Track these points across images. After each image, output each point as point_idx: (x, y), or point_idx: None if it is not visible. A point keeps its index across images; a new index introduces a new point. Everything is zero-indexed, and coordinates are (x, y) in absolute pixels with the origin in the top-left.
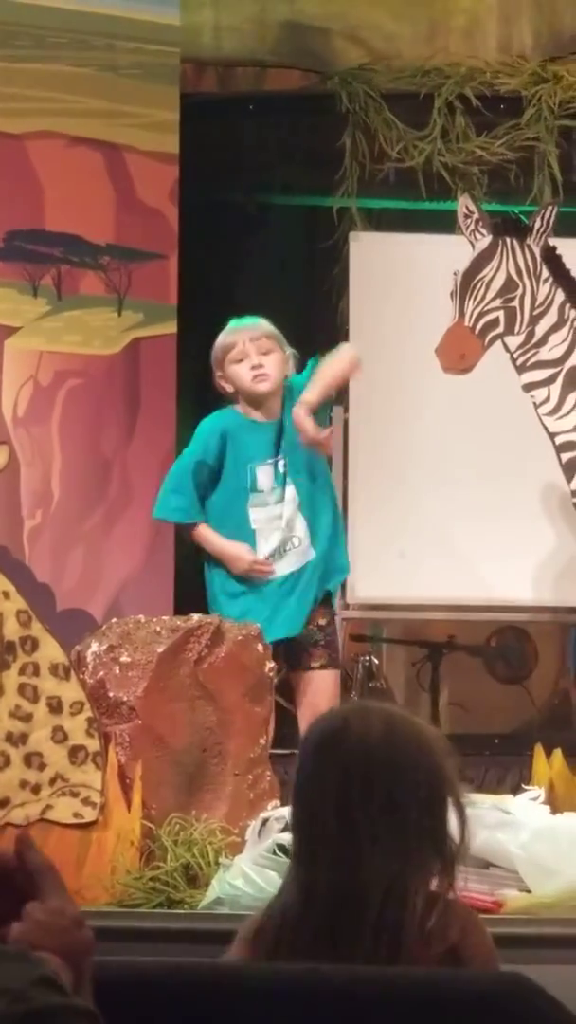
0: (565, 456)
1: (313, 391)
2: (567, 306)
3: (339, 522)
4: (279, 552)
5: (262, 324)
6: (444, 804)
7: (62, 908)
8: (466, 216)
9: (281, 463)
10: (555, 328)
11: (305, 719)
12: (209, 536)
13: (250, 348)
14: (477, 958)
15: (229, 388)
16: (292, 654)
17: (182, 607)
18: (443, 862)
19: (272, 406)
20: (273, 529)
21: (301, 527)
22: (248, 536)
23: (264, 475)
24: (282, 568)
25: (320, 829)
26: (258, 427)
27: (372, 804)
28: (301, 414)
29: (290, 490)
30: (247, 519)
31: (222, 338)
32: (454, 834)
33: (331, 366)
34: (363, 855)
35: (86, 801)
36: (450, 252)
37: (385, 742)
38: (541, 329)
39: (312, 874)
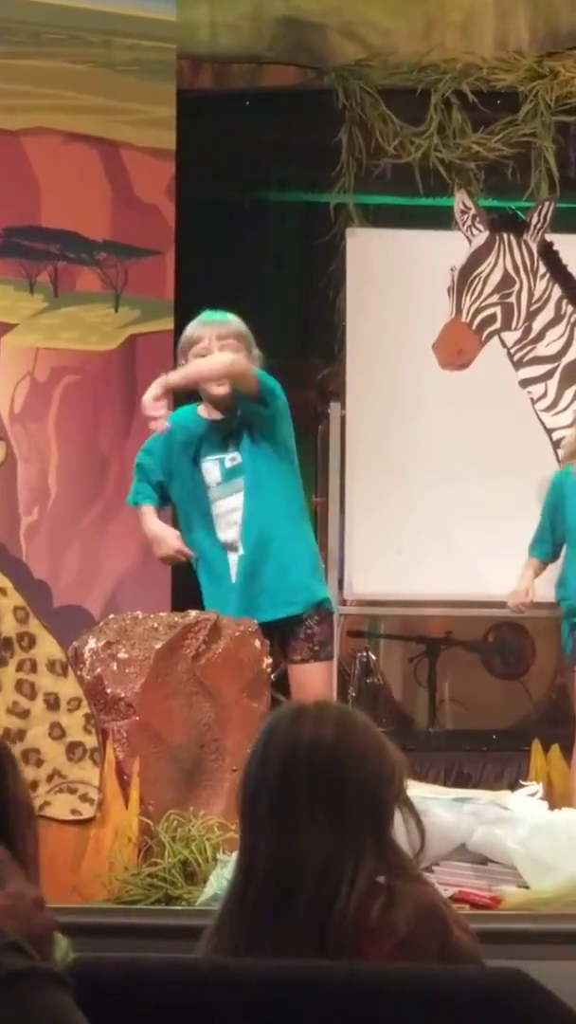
0: (562, 452)
1: (177, 373)
2: (564, 302)
3: (301, 540)
4: (235, 545)
5: (232, 322)
6: (388, 801)
7: (21, 892)
8: (463, 212)
9: (229, 459)
10: (552, 324)
11: None
12: (143, 518)
13: (214, 346)
14: (447, 949)
15: None
16: (277, 649)
17: (179, 603)
18: (383, 857)
19: (229, 404)
20: (230, 523)
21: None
22: (211, 527)
23: (209, 471)
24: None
25: (261, 811)
26: (210, 424)
27: (314, 790)
28: (152, 385)
29: (240, 488)
30: (210, 511)
31: (191, 329)
32: (403, 837)
33: (207, 361)
34: (299, 838)
35: (84, 797)
36: (447, 248)
37: (336, 732)
38: (538, 325)
39: (251, 856)
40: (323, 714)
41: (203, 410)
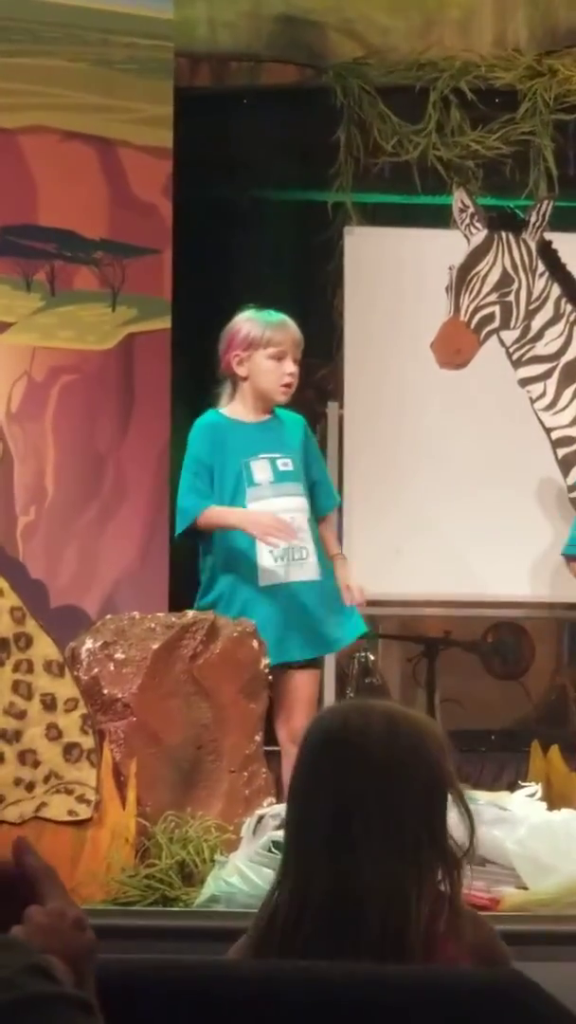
0: (561, 451)
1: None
2: (563, 301)
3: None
4: (284, 555)
5: (299, 332)
6: (444, 804)
7: (63, 910)
8: (461, 210)
9: (280, 461)
10: (551, 323)
11: (279, 718)
12: (222, 511)
13: (290, 355)
14: (499, 959)
15: (243, 373)
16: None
17: (177, 603)
18: (446, 863)
19: (258, 413)
20: None
21: (309, 539)
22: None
23: (260, 469)
24: (284, 576)
25: (314, 832)
26: (244, 425)
27: (369, 807)
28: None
29: (300, 500)
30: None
31: (263, 328)
32: (457, 833)
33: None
34: (360, 861)
35: (81, 799)
36: (445, 246)
37: (384, 743)
38: (537, 324)
39: (305, 880)
40: (368, 720)
41: (233, 411)
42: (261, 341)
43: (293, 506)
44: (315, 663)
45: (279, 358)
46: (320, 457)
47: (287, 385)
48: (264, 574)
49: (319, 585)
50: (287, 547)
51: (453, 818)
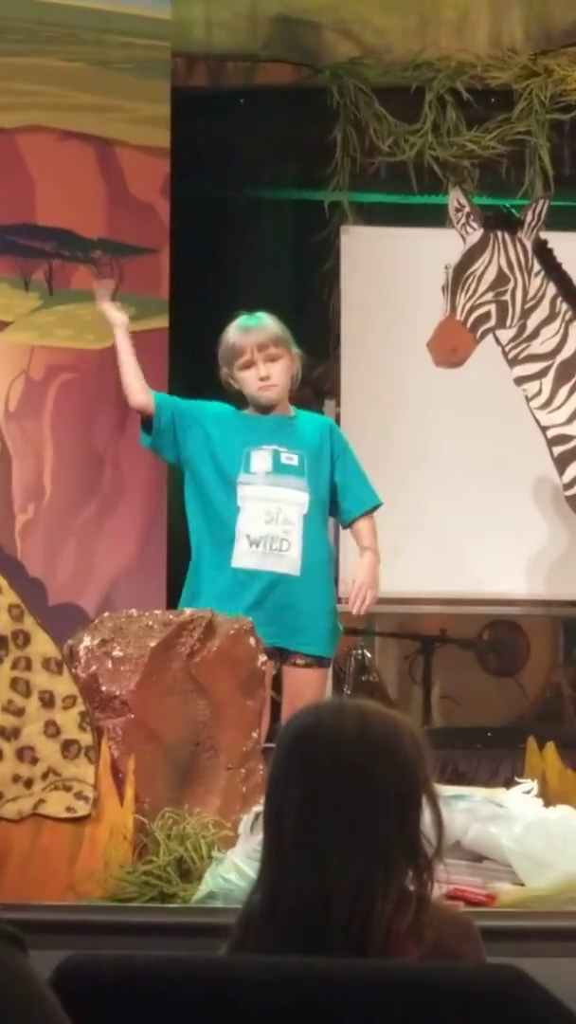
0: (557, 449)
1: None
2: (559, 299)
3: (331, 590)
4: (261, 542)
5: (268, 327)
6: (417, 804)
7: None
8: (457, 210)
9: (285, 455)
10: (547, 321)
11: (286, 716)
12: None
13: (257, 358)
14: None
15: (236, 386)
16: (275, 650)
17: (174, 601)
18: (415, 863)
19: (277, 405)
20: (258, 510)
21: (296, 536)
22: (232, 513)
23: (259, 459)
24: (257, 562)
25: (286, 828)
26: (256, 417)
27: (340, 805)
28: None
29: (301, 495)
30: (235, 497)
31: (232, 338)
32: (429, 832)
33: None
34: (329, 858)
35: (79, 795)
36: (441, 246)
37: (357, 741)
38: (533, 323)
39: (277, 875)
40: (341, 719)
41: (250, 411)
42: (231, 355)
43: (286, 497)
44: (322, 663)
45: (247, 366)
46: (350, 461)
47: (263, 387)
48: (238, 556)
49: (298, 581)
50: (264, 535)
51: (427, 818)
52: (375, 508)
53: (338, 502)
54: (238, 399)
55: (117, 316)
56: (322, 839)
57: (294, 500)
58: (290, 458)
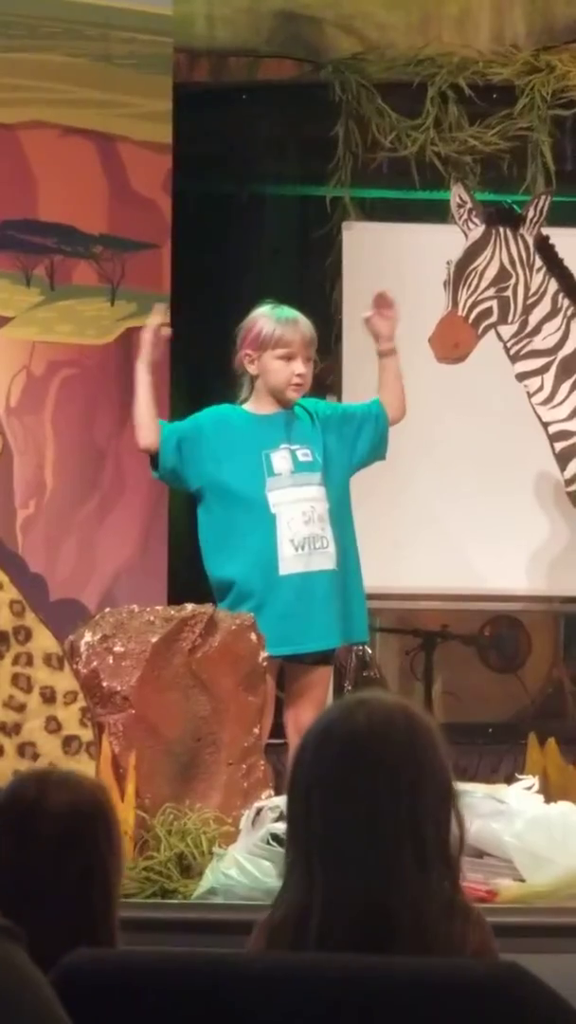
0: (559, 445)
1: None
2: (560, 295)
3: (359, 577)
4: (304, 544)
5: (310, 329)
6: (449, 807)
7: None
8: (459, 206)
9: (301, 452)
10: (548, 317)
11: (289, 712)
12: (138, 381)
13: (300, 354)
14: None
15: (253, 371)
16: None
17: (176, 597)
18: (448, 865)
19: (276, 404)
20: (295, 513)
21: (329, 530)
22: (269, 522)
23: (280, 459)
24: (304, 564)
25: (342, 831)
26: (262, 416)
27: (394, 805)
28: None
29: (320, 490)
30: (267, 504)
31: (273, 327)
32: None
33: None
34: (388, 859)
35: None
36: (443, 241)
37: (401, 735)
38: (534, 318)
39: (338, 878)
40: (384, 711)
41: (254, 406)
42: (270, 341)
43: (312, 495)
44: (327, 660)
45: (288, 359)
46: (337, 409)
47: (295, 386)
48: (285, 563)
49: (338, 575)
50: (307, 536)
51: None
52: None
53: (361, 426)
54: (237, 390)
55: (147, 351)
56: (381, 841)
57: (320, 496)
58: (306, 454)
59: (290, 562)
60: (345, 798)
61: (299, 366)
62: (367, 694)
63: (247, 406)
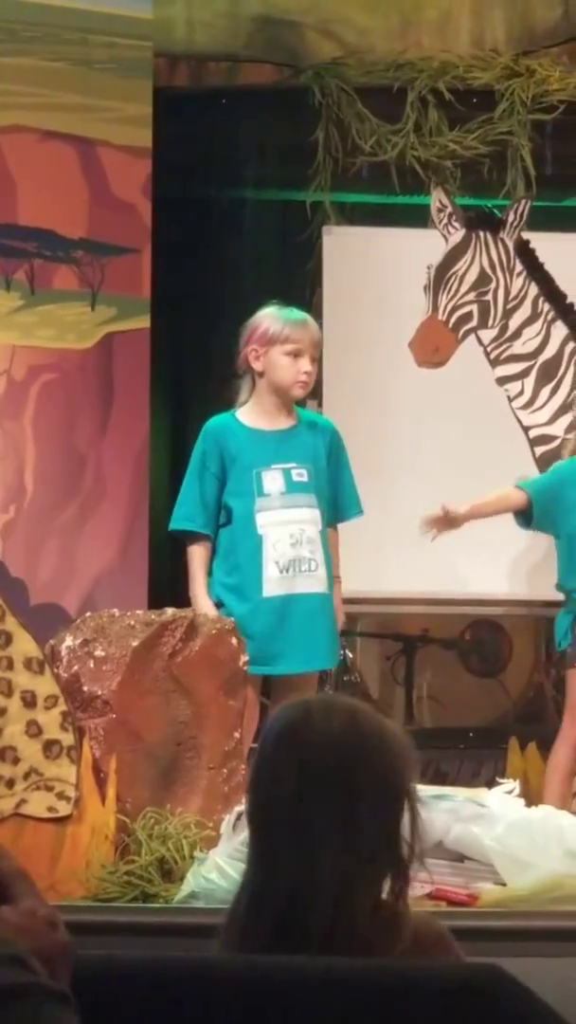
0: (539, 450)
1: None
2: (540, 299)
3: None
4: (290, 567)
5: (318, 331)
6: (400, 808)
7: (34, 909)
8: (439, 210)
9: (296, 472)
10: (529, 322)
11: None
12: (192, 564)
13: (308, 353)
14: None
15: (259, 368)
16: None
17: (156, 601)
18: (395, 867)
19: (278, 416)
20: (282, 535)
21: (319, 553)
22: (255, 542)
23: (271, 480)
24: (288, 587)
25: (273, 825)
26: (260, 432)
27: (328, 802)
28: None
29: (312, 512)
30: (255, 524)
31: (282, 325)
32: (407, 836)
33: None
34: (315, 856)
35: (60, 795)
36: (423, 246)
37: (346, 737)
38: (515, 323)
39: (264, 873)
40: (330, 714)
41: (250, 417)
42: (279, 337)
43: (303, 517)
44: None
45: (295, 355)
46: (348, 465)
47: (301, 383)
48: (268, 584)
49: (326, 598)
50: (293, 558)
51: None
52: (354, 517)
53: (336, 504)
54: (232, 395)
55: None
56: (309, 837)
57: (311, 519)
58: (300, 474)
59: (273, 584)
60: (277, 798)
61: (306, 363)
62: (317, 696)
63: (244, 416)
